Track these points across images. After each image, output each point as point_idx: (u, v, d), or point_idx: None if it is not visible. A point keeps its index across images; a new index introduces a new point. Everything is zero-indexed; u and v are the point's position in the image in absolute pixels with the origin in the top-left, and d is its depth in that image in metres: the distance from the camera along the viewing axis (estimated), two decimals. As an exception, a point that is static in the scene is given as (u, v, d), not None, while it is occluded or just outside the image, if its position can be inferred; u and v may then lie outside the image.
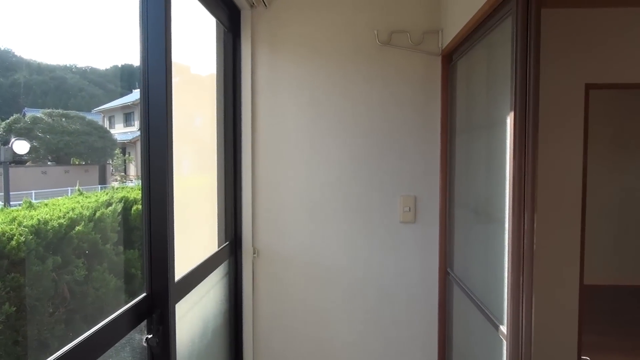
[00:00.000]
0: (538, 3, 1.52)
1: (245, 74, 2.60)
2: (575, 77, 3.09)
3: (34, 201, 2.39)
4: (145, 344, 1.56)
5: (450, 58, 2.53)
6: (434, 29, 2.56)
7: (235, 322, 2.65)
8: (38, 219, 1.99)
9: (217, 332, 2.40)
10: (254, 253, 2.66)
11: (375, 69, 2.60)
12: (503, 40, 1.72)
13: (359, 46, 2.60)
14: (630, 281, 5.80)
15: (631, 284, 5.79)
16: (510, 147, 1.61)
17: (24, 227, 1.89)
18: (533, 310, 1.56)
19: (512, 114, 1.58)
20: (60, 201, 2.34)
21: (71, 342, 1.19)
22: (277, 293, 2.69)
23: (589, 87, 3.08)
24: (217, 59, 2.53)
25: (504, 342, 1.66)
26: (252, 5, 2.54)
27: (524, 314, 1.57)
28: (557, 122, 3.10)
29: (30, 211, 2.07)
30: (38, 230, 1.97)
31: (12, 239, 1.84)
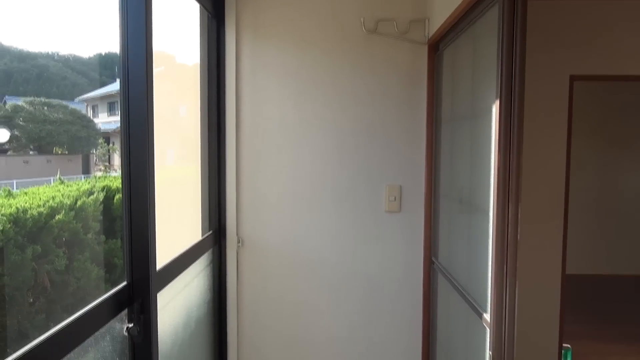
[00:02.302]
0: (524, -8, 1.51)
1: (229, 61, 2.56)
2: (560, 68, 3.10)
3: (14, 190, 2.34)
4: (126, 333, 1.54)
5: (436, 47, 2.52)
6: (420, 18, 2.55)
7: (219, 311, 2.64)
8: (17, 208, 1.95)
9: (200, 321, 2.39)
10: (239, 242, 2.64)
11: (361, 57, 2.58)
12: (489, 29, 1.71)
13: (345, 34, 2.58)
14: (612, 270, 5.88)
15: (613, 274, 5.87)
16: (495, 138, 1.60)
17: (1, 215, 1.86)
18: (516, 299, 1.57)
19: (497, 103, 1.58)
20: (40, 190, 2.30)
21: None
22: (261, 283, 2.68)
23: (573, 78, 3.09)
24: (201, 47, 2.49)
25: (487, 330, 1.67)
26: (237, -8, 2.50)
27: (507, 303, 1.57)
28: (542, 113, 3.11)
29: (8, 200, 2.03)
30: (17, 219, 1.93)
31: (-11, 227, 1.81)
